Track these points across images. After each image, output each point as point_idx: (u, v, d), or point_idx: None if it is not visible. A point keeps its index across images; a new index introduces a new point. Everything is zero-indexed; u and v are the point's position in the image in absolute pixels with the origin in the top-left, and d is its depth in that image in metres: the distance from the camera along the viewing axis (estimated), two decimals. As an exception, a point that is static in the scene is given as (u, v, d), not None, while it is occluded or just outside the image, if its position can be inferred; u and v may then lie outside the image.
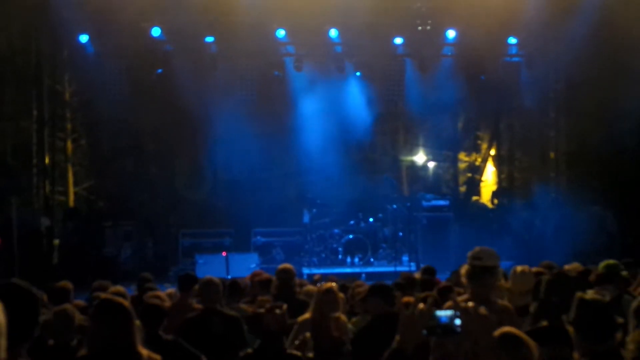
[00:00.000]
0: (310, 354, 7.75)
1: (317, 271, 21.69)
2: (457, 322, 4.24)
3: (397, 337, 4.31)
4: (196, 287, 10.31)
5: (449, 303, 8.42)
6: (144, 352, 6.08)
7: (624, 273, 10.38)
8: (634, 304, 7.36)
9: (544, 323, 6.74)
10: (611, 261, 10.39)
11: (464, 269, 9.15)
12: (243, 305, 10.71)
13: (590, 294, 6.45)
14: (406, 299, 7.45)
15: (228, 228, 24.28)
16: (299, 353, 7.55)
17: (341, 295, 9.48)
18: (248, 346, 8.76)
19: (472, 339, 4.33)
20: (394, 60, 26.14)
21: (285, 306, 7.53)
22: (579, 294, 6.13)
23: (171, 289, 12.36)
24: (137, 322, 9.07)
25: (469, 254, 9.11)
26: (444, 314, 4.26)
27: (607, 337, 5.81)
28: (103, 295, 7.00)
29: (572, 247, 21.04)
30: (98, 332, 6.05)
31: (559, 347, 6.23)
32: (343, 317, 9.07)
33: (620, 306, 8.83)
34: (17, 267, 20.03)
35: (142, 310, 8.71)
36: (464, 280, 8.18)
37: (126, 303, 6.21)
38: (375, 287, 8.75)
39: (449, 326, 4.25)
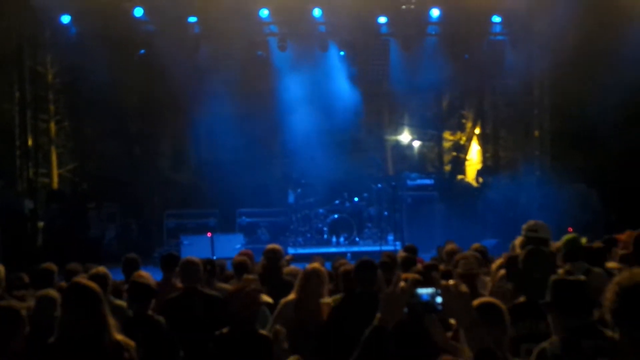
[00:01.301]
0: (285, 343, 7.70)
1: (303, 251, 21.76)
2: (439, 299, 4.23)
3: (378, 315, 4.30)
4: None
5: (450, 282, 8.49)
6: (117, 337, 5.96)
7: (583, 240, 10.37)
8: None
9: (522, 299, 6.75)
10: (569, 236, 10.38)
11: (518, 240, 9.35)
12: (223, 285, 10.68)
13: (561, 273, 6.47)
14: (405, 275, 7.40)
15: (213, 209, 24.31)
16: (269, 334, 7.52)
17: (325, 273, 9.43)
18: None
19: (453, 317, 4.33)
20: (378, 40, 26.04)
21: (255, 285, 7.51)
22: (553, 276, 6.14)
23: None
24: (122, 303, 9.09)
25: (525, 226, 9.39)
26: (425, 291, 4.25)
27: (584, 314, 5.85)
28: (75, 278, 6.87)
29: (557, 225, 21.07)
30: (67, 317, 5.91)
31: (537, 322, 6.25)
32: (328, 300, 9.05)
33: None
34: (1, 250, 19.96)
35: (131, 289, 8.69)
36: (518, 250, 8.30)
37: (95, 286, 6.06)
38: (359, 264, 8.73)
39: (430, 304, 4.24)
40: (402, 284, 4.33)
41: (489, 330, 4.55)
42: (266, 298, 7.99)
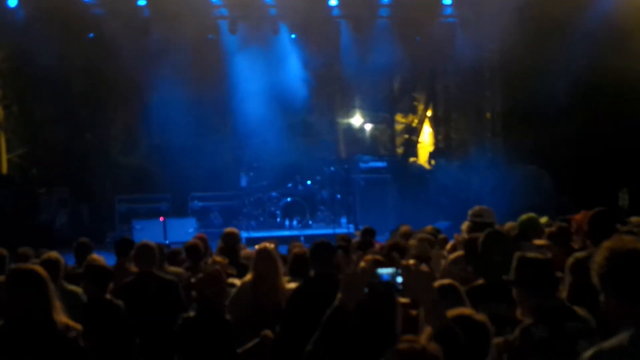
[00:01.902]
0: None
1: (256, 234, 21.75)
2: (399, 279, 4.23)
3: (339, 295, 4.28)
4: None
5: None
6: (63, 320, 5.92)
7: (544, 220, 10.47)
8: (569, 260, 7.47)
9: (481, 281, 6.76)
10: (529, 215, 10.47)
11: (465, 225, 9.48)
12: (174, 268, 10.61)
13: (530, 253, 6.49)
14: (368, 257, 7.40)
15: (165, 193, 24.20)
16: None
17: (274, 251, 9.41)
18: (183, 310, 8.73)
19: (414, 296, 4.32)
20: (329, 22, 25.96)
21: (223, 267, 7.49)
22: (518, 253, 6.17)
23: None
24: (77, 289, 8.99)
25: (470, 211, 9.54)
26: (385, 271, 4.25)
27: (551, 292, 5.89)
28: (17, 264, 6.80)
29: (509, 206, 21.24)
30: (11, 301, 5.88)
31: (497, 305, 6.27)
32: (284, 279, 9.04)
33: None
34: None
35: (87, 273, 8.60)
36: (465, 235, 8.39)
37: (39, 269, 6.03)
38: (315, 246, 8.71)
39: (390, 284, 4.24)
40: (362, 264, 4.32)
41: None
42: (233, 280, 7.93)
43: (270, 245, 9.41)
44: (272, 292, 8.80)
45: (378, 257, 5.43)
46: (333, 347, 4.22)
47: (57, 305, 5.92)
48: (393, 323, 4.70)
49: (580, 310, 5.85)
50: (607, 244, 3.63)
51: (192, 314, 7.44)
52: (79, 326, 6.04)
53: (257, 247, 9.48)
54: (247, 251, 12.15)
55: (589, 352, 3.44)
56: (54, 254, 9.45)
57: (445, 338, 4.11)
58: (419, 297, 4.27)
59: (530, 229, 10.14)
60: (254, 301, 8.78)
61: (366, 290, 4.24)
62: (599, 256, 3.59)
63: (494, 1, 23.98)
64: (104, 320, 8.11)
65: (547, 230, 10.73)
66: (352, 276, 4.30)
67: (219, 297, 7.39)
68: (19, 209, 23.04)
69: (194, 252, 10.90)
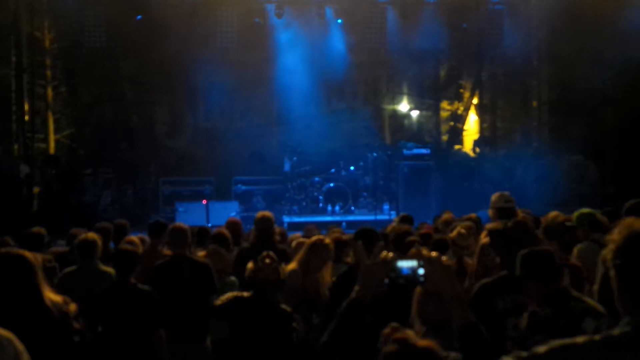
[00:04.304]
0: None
1: (298, 219, 21.79)
2: (421, 271, 4.20)
3: (357, 287, 4.27)
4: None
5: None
6: (52, 298, 6.12)
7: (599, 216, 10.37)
8: (602, 253, 7.40)
9: (504, 272, 6.72)
10: (585, 210, 10.37)
11: (491, 212, 9.58)
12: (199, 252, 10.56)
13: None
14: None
15: (208, 176, 24.25)
16: (289, 309, 7.48)
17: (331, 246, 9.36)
18: (216, 292, 8.76)
19: (437, 289, 4.28)
20: (375, 8, 25.81)
21: (272, 254, 7.44)
22: (522, 251, 6.18)
23: (142, 235, 12.28)
24: (108, 269, 9.11)
25: (495, 198, 9.62)
26: (406, 264, 4.20)
27: (554, 280, 5.94)
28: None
29: (553, 196, 21.12)
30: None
31: (522, 296, 6.24)
32: (327, 274, 9.04)
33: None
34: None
35: (114, 256, 8.70)
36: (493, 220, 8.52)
37: (26, 253, 6.20)
38: (358, 233, 8.74)
39: (411, 277, 4.20)
40: (383, 254, 4.31)
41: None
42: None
43: (327, 239, 9.39)
44: (317, 284, 8.85)
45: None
46: (348, 339, 4.22)
47: (43, 284, 6.12)
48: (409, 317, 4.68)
49: (584, 297, 5.98)
50: (626, 221, 3.54)
51: (246, 293, 7.37)
52: (71, 303, 6.25)
53: (313, 239, 9.41)
54: (293, 236, 12.16)
55: (597, 336, 3.38)
56: (92, 234, 9.59)
57: (469, 333, 4.10)
58: (442, 290, 4.24)
59: (587, 224, 10.04)
60: (302, 291, 8.80)
61: (386, 282, 4.22)
62: (617, 234, 3.50)
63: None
64: (126, 305, 8.22)
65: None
66: (370, 268, 4.30)
67: (275, 283, 7.31)
68: (64, 189, 23.27)
69: (221, 240, 10.80)
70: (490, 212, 10.23)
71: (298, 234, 12.88)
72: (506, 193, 9.88)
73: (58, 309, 6.07)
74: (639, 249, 3.36)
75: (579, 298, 5.93)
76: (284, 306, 7.38)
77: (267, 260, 7.22)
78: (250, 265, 7.30)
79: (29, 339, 5.06)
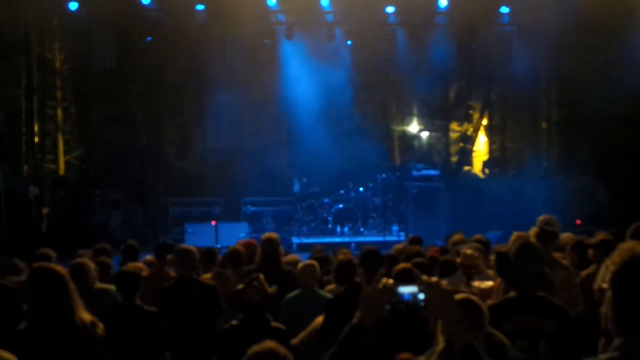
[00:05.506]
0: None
1: (307, 240, 21.80)
2: (421, 297, 4.19)
3: (357, 313, 4.27)
4: (170, 256, 10.32)
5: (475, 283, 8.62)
6: (87, 317, 6.08)
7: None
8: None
9: (513, 294, 6.70)
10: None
11: (532, 231, 9.61)
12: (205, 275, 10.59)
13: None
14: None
15: (218, 197, 24.29)
16: (282, 326, 7.52)
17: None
18: (223, 315, 8.76)
19: (437, 315, 4.28)
20: (385, 29, 25.90)
21: (261, 276, 7.50)
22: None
23: (149, 257, 12.27)
24: (106, 286, 9.14)
25: (541, 218, 9.68)
26: (406, 290, 4.19)
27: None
28: (38, 264, 6.91)
29: (563, 217, 21.00)
30: (34, 302, 6.05)
31: (530, 317, 6.22)
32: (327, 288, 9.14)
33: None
34: (5, 236, 19.98)
35: (117, 278, 8.69)
36: (533, 240, 8.56)
37: (60, 269, 6.18)
38: (364, 253, 8.76)
39: (411, 302, 4.19)
40: (384, 280, 4.30)
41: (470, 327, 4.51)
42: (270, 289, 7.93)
43: (313, 262, 9.50)
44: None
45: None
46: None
47: (78, 303, 6.08)
48: (411, 342, 4.68)
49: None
50: (627, 245, 3.53)
51: (234, 322, 7.47)
52: (101, 325, 6.20)
53: (301, 264, 9.64)
54: (293, 256, 12.16)
55: None
56: (82, 259, 9.66)
57: (469, 357, 4.09)
58: (442, 315, 4.23)
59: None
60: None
61: (387, 308, 4.21)
62: (617, 257, 3.49)
63: (551, 10, 23.75)
64: (131, 327, 8.18)
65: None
66: (372, 294, 4.29)
67: (263, 304, 7.39)
68: (73, 209, 23.31)
69: (235, 258, 10.85)
70: (531, 231, 10.22)
71: (294, 255, 12.83)
72: (550, 216, 9.87)
73: (86, 328, 6.03)
74: (637, 275, 3.36)
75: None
76: (274, 324, 7.43)
77: (254, 283, 7.28)
78: (238, 287, 7.42)
79: (54, 354, 5.06)
